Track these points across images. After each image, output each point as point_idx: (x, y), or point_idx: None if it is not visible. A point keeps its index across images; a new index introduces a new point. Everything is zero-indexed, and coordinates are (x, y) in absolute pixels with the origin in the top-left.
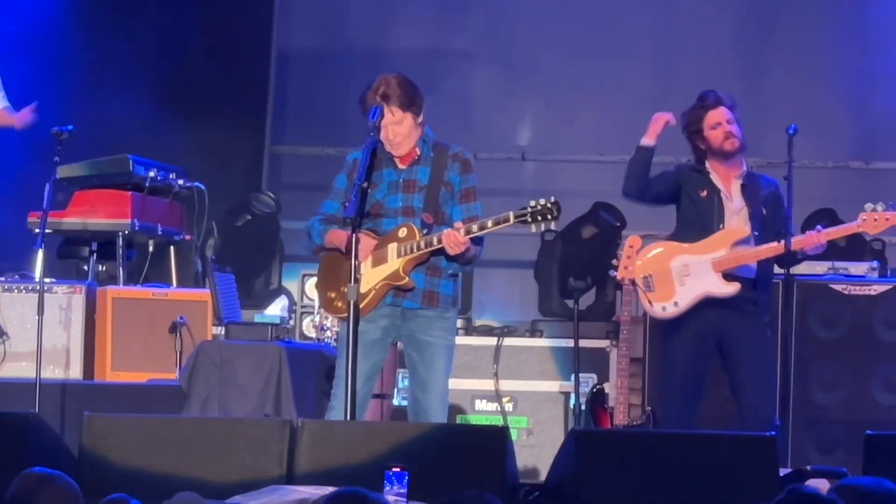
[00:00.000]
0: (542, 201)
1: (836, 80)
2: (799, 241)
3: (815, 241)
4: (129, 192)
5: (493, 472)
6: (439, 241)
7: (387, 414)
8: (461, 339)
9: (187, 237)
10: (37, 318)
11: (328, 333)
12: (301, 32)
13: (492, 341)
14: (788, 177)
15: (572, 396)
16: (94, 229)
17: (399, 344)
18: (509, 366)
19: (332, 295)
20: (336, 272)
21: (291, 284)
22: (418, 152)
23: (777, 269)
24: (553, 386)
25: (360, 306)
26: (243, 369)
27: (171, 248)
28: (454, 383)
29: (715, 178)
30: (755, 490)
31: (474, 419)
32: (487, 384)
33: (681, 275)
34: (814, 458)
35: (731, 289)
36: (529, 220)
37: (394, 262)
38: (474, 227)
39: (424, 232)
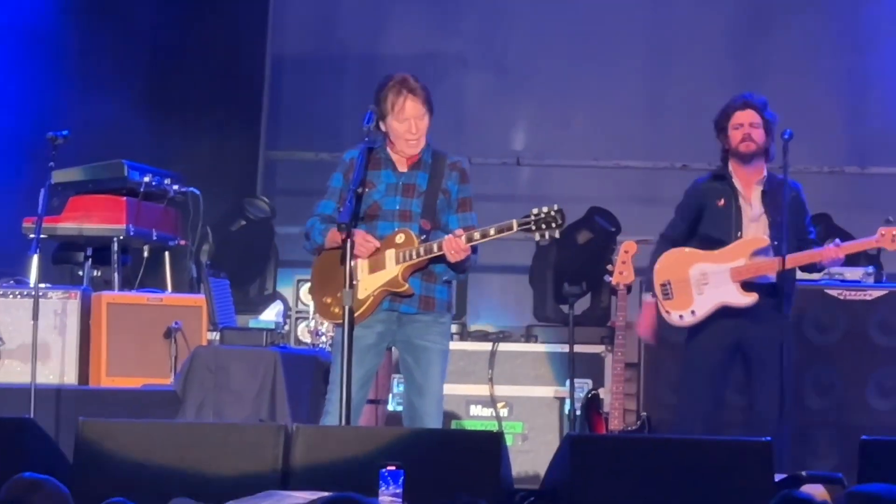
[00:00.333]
0: (546, 209)
1: (831, 85)
2: (817, 255)
3: (833, 256)
4: (124, 198)
5: (487, 478)
6: (439, 248)
7: (381, 419)
8: (456, 345)
9: (182, 242)
10: (32, 323)
11: (323, 339)
12: (295, 38)
13: (487, 346)
14: (784, 178)
15: (567, 402)
16: (88, 234)
17: (393, 349)
18: (504, 371)
19: (328, 300)
20: (331, 277)
21: (286, 290)
22: (419, 156)
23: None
24: (548, 391)
25: (358, 312)
26: (238, 374)
27: (166, 253)
28: (449, 388)
29: (736, 182)
30: (750, 495)
31: (469, 424)
32: (482, 389)
33: (699, 283)
34: (809, 463)
35: (748, 299)
36: (533, 227)
37: (392, 268)
38: (476, 235)
39: (422, 238)
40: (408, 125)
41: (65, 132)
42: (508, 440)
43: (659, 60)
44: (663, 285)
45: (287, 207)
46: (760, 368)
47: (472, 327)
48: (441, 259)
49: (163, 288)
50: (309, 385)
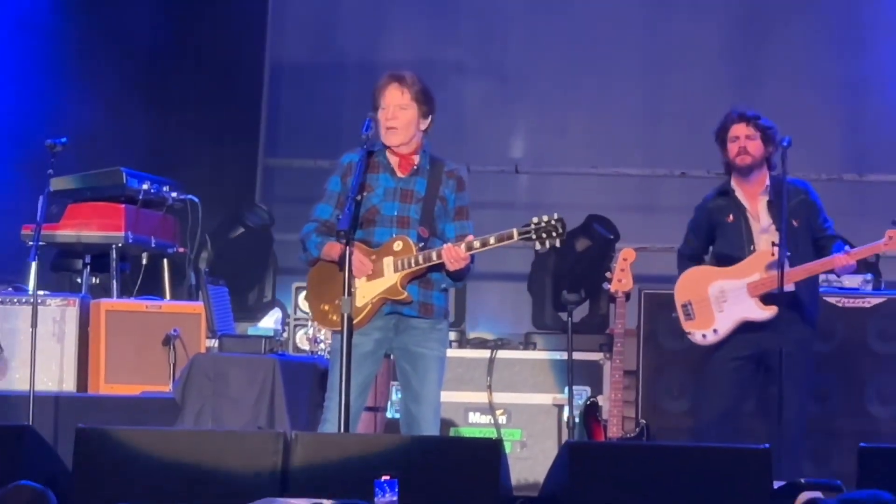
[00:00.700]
0: (546, 218)
1: (829, 93)
2: (828, 263)
3: (844, 263)
4: (123, 205)
5: (486, 485)
6: (438, 257)
7: (380, 426)
8: (455, 352)
9: (181, 250)
10: (30, 330)
11: (322, 346)
12: (294, 46)
13: (485, 354)
14: (783, 189)
15: (566, 409)
16: (87, 242)
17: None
18: (503, 378)
19: (326, 308)
20: (327, 285)
21: (285, 297)
22: (417, 162)
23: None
24: (547, 398)
25: (356, 320)
26: (237, 382)
27: (165, 260)
28: (447, 396)
29: (740, 196)
30: (749, 503)
31: (468, 432)
32: (481, 397)
33: (719, 301)
34: (808, 471)
35: (768, 313)
36: (534, 237)
37: (391, 276)
38: (476, 244)
39: (420, 246)
40: (386, 112)
41: (63, 139)
42: (507, 447)
43: (657, 68)
44: (684, 306)
45: (286, 215)
46: (783, 380)
47: (471, 335)
48: (439, 267)
49: (161, 295)
50: (307, 392)
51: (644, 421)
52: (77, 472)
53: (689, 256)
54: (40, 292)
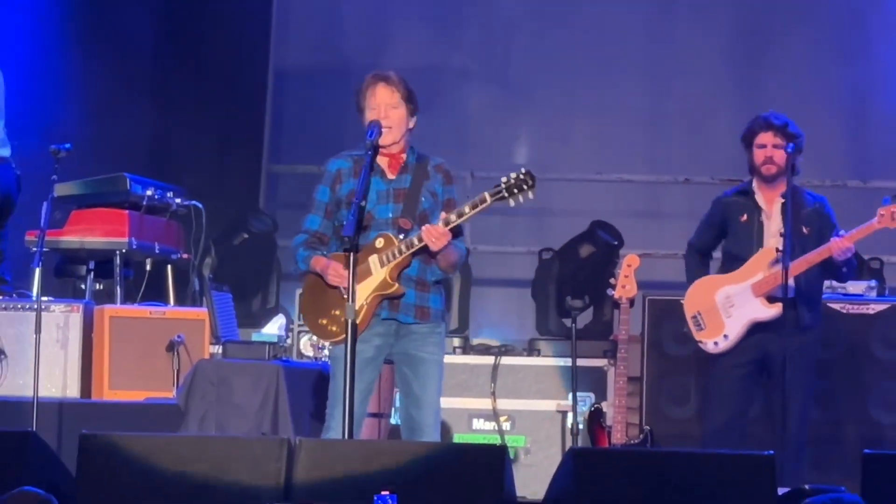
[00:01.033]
0: (513, 174)
1: (832, 99)
2: (826, 251)
3: (841, 247)
4: (127, 211)
5: (490, 492)
6: (420, 240)
7: (384, 433)
8: (459, 358)
9: (185, 256)
10: (34, 336)
11: (325, 352)
12: (298, 51)
13: (489, 360)
14: (787, 195)
15: (570, 415)
16: (91, 248)
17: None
18: (507, 384)
19: (323, 321)
20: (321, 298)
21: (289, 303)
22: (404, 160)
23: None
24: (550, 405)
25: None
26: (241, 388)
27: (169, 266)
28: (451, 402)
29: (759, 198)
30: None
31: (472, 438)
32: (485, 403)
33: (726, 307)
34: (811, 477)
35: (774, 311)
36: (506, 194)
37: (379, 272)
38: (452, 217)
39: (401, 237)
40: (377, 112)
41: (67, 145)
42: (511, 454)
43: (660, 74)
44: (694, 317)
45: (289, 221)
46: (785, 387)
47: (475, 341)
48: (427, 254)
49: (165, 301)
50: (311, 398)
51: (648, 427)
52: (81, 478)
53: (698, 249)
54: (44, 298)
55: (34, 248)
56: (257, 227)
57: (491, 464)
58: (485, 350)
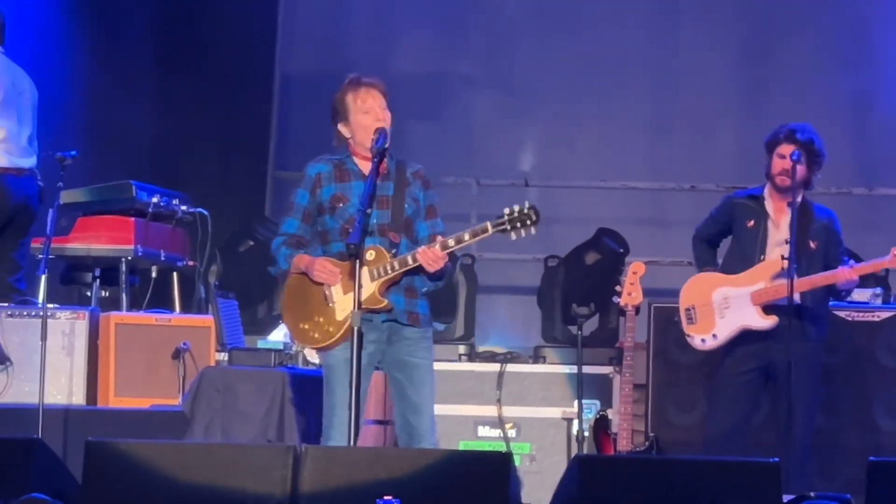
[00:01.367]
0: (517, 207)
1: (837, 107)
2: (831, 277)
3: (847, 277)
4: (132, 218)
5: (496, 499)
6: (414, 260)
7: (390, 440)
8: (464, 366)
9: (190, 263)
10: (40, 343)
11: None
12: (304, 58)
13: (495, 367)
14: (792, 203)
15: (575, 422)
16: (97, 255)
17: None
18: (512, 392)
19: (305, 326)
20: (304, 302)
21: None
22: (387, 165)
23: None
24: (556, 412)
25: (339, 334)
26: (246, 395)
27: (174, 273)
28: (457, 409)
29: (768, 205)
30: None
31: (477, 445)
32: (490, 410)
33: (721, 307)
34: (816, 485)
35: (768, 322)
36: (508, 227)
37: (368, 285)
38: (451, 242)
39: (393, 252)
40: (374, 115)
41: (73, 153)
42: (517, 461)
43: (665, 82)
44: (687, 310)
45: None
46: (791, 394)
47: (481, 348)
48: (418, 270)
49: (171, 308)
50: (317, 406)
51: (653, 434)
52: (86, 485)
53: (705, 239)
54: (50, 305)
55: (40, 256)
56: (263, 234)
57: (496, 471)
58: (490, 357)
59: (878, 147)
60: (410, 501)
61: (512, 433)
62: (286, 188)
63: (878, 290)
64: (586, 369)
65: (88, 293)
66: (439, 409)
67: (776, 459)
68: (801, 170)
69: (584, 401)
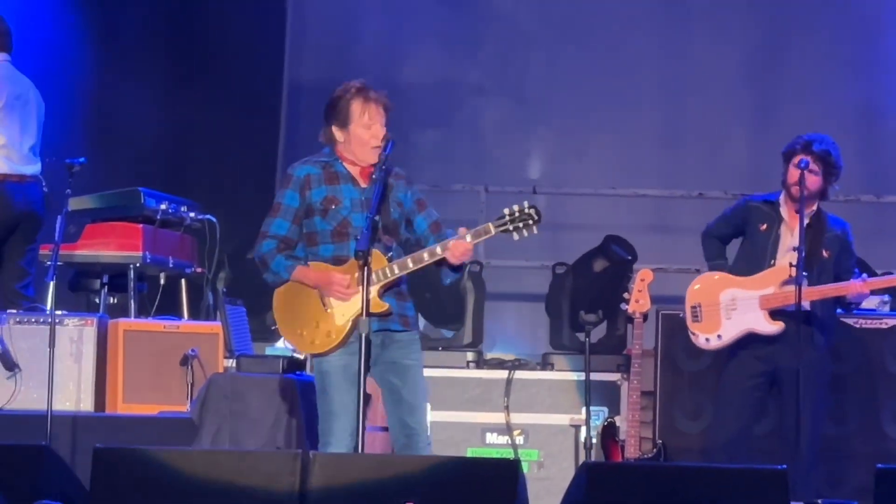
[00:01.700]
0: (517, 207)
1: (845, 115)
2: (843, 289)
3: (858, 290)
4: (141, 225)
5: None
6: (432, 255)
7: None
8: (472, 372)
9: (199, 270)
10: (48, 350)
11: None
12: (312, 67)
13: (503, 374)
14: (800, 210)
15: (583, 429)
16: (105, 262)
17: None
18: (520, 399)
19: (303, 332)
20: (301, 308)
21: None
22: (373, 171)
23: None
24: (564, 419)
25: (339, 339)
26: (255, 402)
27: (183, 280)
28: (465, 416)
29: (783, 211)
30: None
31: (485, 452)
32: (498, 417)
33: (728, 308)
34: (824, 492)
35: (774, 328)
36: (510, 228)
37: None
38: (469, 238)
39: (389, 256)
40: (374, 131)
41: (82, 159)
42: (524, 468)
43: (674, 90)
44: (693, 308)
45: None
46: (798, 401)
47: (489, 355)
48: (443, 263)
49: (179, 315)
50: None
51: (661, 441)
52: (95, 492)
53: (716, 236)
54: (58, 312)
55: (48, 262)
56: None
57: (504, 478)
58: (498, 364)
59: (886, 155)
60: None
61: (520, 440)
62: None
63: (886, 298)
64: (594, 376)
65: (97, 300)
66: (447, 417)
67: (783, 466)
68: (816, 180)
69: (591, 408)
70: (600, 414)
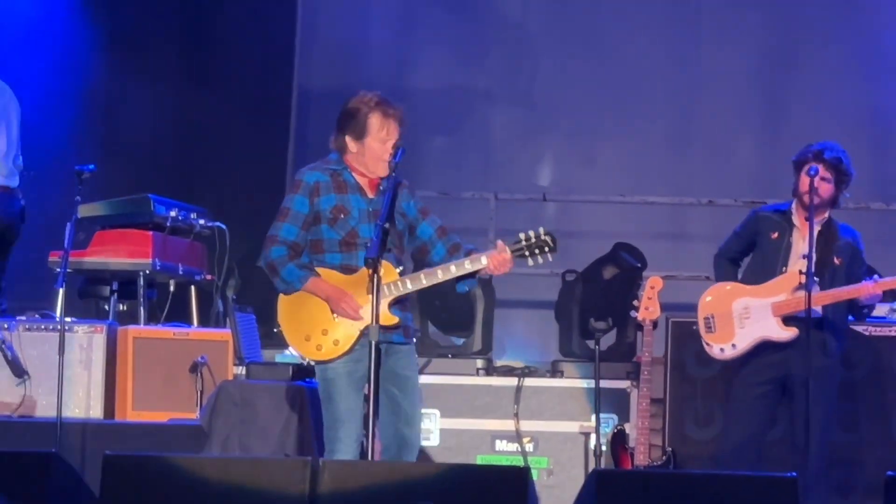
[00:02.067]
0: (533, 233)
1: (854, 122)
2: (854, 291)
3: (870, 292)
4: (151, 232)
5: None
6: (461, 268)
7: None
8: (482, 380)
9: (208, 277)
10: (58, 357)
11: None
12: (322, 73)
13: (512, 382)
14: (810, 218)
15: (593, 437)
16: (115, 269)
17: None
18: (530, 406)
19: (309, 338)
20: (306, 313)
21: None
22: (380, 181)
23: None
24: (573, 426)
25: (348, 347)
26: (264, 409)
27: (192, 287)
28: (475, 424)
29: (794, 219)
30: None
31: (495, 460)
32: (508, 424)
33: (741, 317)
34: (834, 500)
35: (788, 334)
36: (526, 253)
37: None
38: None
39: (400, 270)
40: (388, 146)
41: (91, 166)
42: (534, 475)
43: (684, 96)
44: (706, 319)
45: None
46: (808, 409)
47: (498, 362)
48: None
49: (189, 322)
50: None
51: (671, 449)
52: (104, 499)
53: (728, 257)
54: (68, 319)
55: (58, 269)
56: None
57: (514, 485)
58: (508, 372)
59: (895, 162)
60: None
61: (529, 447)
62: None
63: (895, 305)
64: (604, 384)
65: (106, 307)
66: (457, 424)
67: (793, 474)
68: (828, 188)
69: (601, 415)
70: (610, 421)
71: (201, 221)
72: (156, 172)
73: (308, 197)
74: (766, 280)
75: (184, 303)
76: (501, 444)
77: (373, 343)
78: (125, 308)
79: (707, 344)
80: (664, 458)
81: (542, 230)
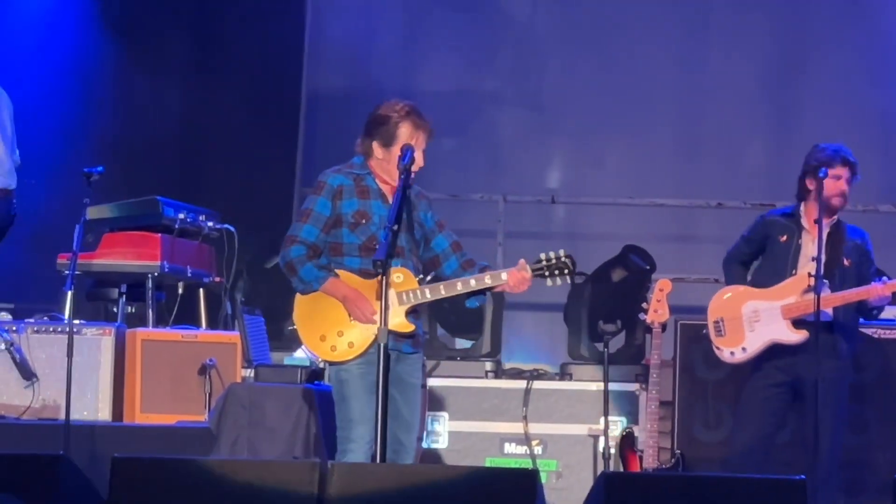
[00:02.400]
0: (553, 255)
1: (863, 124)
2: (864, 293)
3: (879, 294)
4: (159, 234)
5: None
6: (479, 283)
7: (417, 456)
8: (491, 382)
9: (217, 279)
10: (66, 359)
11: None
12: (331, 74)
13: (521, 384)
14: (819, 220)
15: (601, 439)
16: (123, 271)
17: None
18: (538, 409)
19: (324, 339)
20: (322, 313)
21: None
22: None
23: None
24: (582, 429)
25: (360, 351)
26: (273, 412)
27: (201, 290)
28: (483, 426)
29: (804, 221)
30: None
31: (503, 462)
32: (517, 427)
33: (751, 321)
34: (843, 502)
35: (798, 336)
36: (546, 273)
37: (396, 309)
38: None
39: (420, 279)
40: (417, 155)
41: (99, 168)
42: (543, 478)
43: (693, 98)
44: (716, 322)
45: None
46: (818, 411)
47: (507, 365)
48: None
49: (197, 325)
50: None
51: (680, 451)
52: (112, 501)
53: (738, 260)
54: (76, 321)
55: (66, 271)
56: None
57: (523, 488)
58: (517, 374)
59: None
60: None
61: (538, 450)
62: None
63: None
64: (612, 386)
65: (115, 309)
66: (466, 426)
67: (803, 477)
68: (848, 190)
69: (610, 418)
70: (619, 424)
71: (210, 223)
72: (164, 174)
73: (331, 200)
74: (776, 282)
75: (192, 305)
76: (510, 447)
77: (381, 345)
78: (133, 310)
79: (717, 348)
80: (673, 460)
81: (562, 252)
